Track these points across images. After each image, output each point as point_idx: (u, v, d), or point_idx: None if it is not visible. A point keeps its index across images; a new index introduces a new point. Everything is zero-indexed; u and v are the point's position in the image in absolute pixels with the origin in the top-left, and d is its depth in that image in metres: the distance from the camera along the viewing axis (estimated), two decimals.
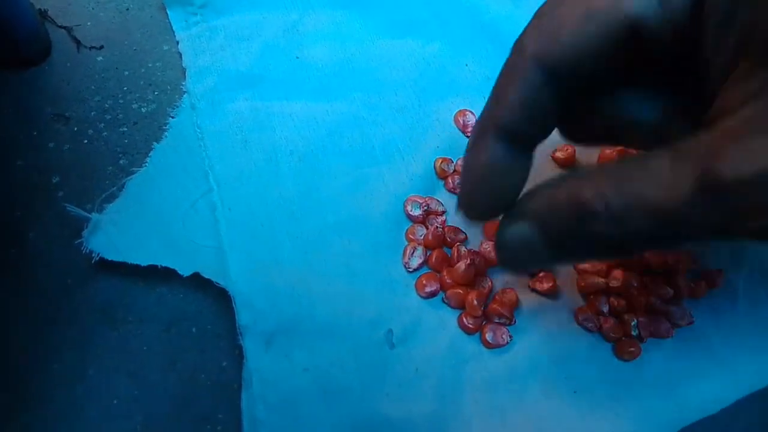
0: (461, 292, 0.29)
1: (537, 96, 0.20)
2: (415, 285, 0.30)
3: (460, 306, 0.29)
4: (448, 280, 0.29)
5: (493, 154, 0.21)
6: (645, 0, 0.18)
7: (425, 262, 0.30)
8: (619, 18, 0.18)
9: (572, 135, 0.24)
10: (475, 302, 0.29)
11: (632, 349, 0.29)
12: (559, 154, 0.33)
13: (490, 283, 0.30)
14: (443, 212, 0.32)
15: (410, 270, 0.30)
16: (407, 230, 0.31)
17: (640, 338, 0.29)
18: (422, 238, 0.31)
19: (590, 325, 0.30)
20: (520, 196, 0.22)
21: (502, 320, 0.29)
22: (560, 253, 0.21)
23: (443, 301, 0.30)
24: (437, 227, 0.30)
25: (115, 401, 0.27)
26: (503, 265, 0.23)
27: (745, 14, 0.16)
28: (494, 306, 0.29)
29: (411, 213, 0.31)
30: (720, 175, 0.16)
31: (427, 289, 0.29)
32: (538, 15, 0.20)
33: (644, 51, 0.19)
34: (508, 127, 0.21)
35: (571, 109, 0.21)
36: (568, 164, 0.33)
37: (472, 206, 0.23)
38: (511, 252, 0.22)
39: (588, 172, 0.20)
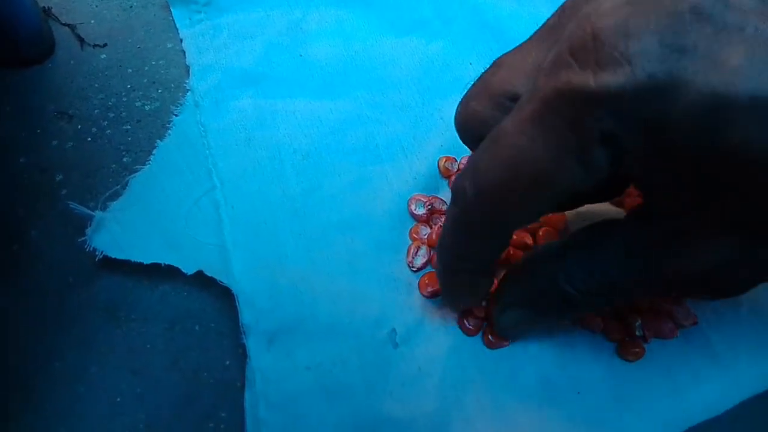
0: None
1: (482, 245, 0.23)
2: (418, 284, 0.30)
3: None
4: None
5: (455, 279, 0.26)
6: (576, 176, 0.19)
7: (429, 261, 0.30)
8: (554, 194, 0.20)
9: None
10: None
11: (636, 349, 0.29)
12: None
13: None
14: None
15: (414, 269, 0.30)
16: (411, 229, 0.31)
17: (644, 339, 0.29)
18: (426, 237, 0.31)
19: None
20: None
21: None
22: (553, 318, 0.27)
23: None
24: (441, 226, 0.30)
25: (118, 399, 0.27)
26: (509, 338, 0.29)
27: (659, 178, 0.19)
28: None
29: (415, 212, 0.31)
30: (666, 269, 0.21)
31: (429, 289, 0.29)
32: (485, 191, 0.21)
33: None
34: (462, 268, 0.25)
35: None
36: None
37: (454, 307, 0.29)
38: (510, 330, 0.28)
39: (555, 255, 0.24)
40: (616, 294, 0.23)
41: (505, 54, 0.23)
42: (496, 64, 0.23)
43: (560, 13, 0.21)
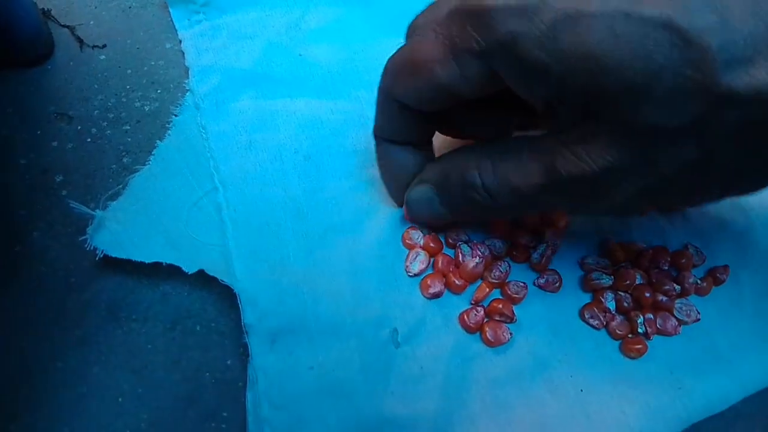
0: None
1: (397, 117, 0.27)
2: (420, 285, 0.30)
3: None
4: (456, 282, 0.29)
5: (383, 152, 0.29)
6: (451, 75, 0.24)
7: (429, 267, 0.30)
8: (433, 85, 0.24)
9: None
10: (486, 289, 0.29)
11: (639, 346, 0.29)
12: None
13: (508, 268, 0.30)
14: None
15: (410, 275, 0.30)
16: (403, 235, 0.31)
17: (646, 335, 0.29)
18: (421, 241, 0.30)
19: (596, 322, 0.29)
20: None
21: (503, 318, 0.29)
22: (452, 210, 0.28)
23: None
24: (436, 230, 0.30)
25: (119, 399, 0.27)
26: (410, 219, 0.30)
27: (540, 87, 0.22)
28: (495, 304, 0.29)
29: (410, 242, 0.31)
30: (558, 172, 0.23)
31: (431, 290, 0.29)
32: (391, 63, 0.26)
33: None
34: (387, 136, 0.29)
35: (435, 119, 0.28)
36: None
37: (390, 191, 0.31)
38: (415, 208, 0.29)
39: (473, 150, 0.27)
40: (516, 197, 0.25)
41: None
42: None
43: None
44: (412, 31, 0.26)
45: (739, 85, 0.19)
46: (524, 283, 0.30)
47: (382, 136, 0.29)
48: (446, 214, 0.28)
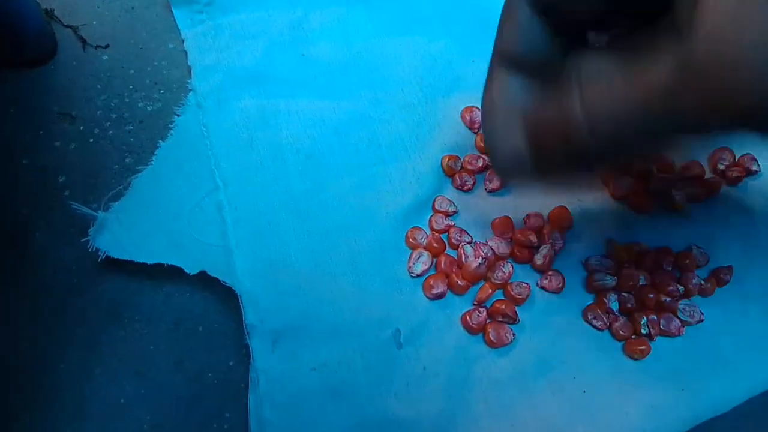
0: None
1: (530, 27, 0.22)
2: (423, 286, 0.29)
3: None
4: (459, 282, 0.29)
5: (500, 82, 0.24)
6: (527, 18, 0.21)
7: (432, 268, 0.30)
8: (519, 25, 0.21)
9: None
10: (489, 290, 0.29)
11: (642, 347, 0.29)
12: None
13: (511, 269, 0.30)
14: (453, 212, 0.31)
15: (413, 275, 0.30)
16: (407, 234, 0.31)
17: (649, 336, 0.29)
18: (424, 241, 0.30)
19: (599, 323, 0.29)
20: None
21: (506, 319, 0.29)
22: (545, 167, 0.23)
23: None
24: (439, 230, 0.30)
25: (122, 400, 0.27)
26: (496, 172, 0.27)
27: None
28: (498, 305, 0.29)
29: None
30: (701, 54, 0.17)
31: (434, 291, 0.29)
32: None
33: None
34: (511, 56, 0.23)
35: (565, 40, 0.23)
36: None
37: (496, 147, 0.24)
38: (503, 162, 0.23)
39: (574, 84, 0.21)
40: (619, 129, 0.19)
41: None
42: None
43: None
44: None
45: None
46: (527, 283, 0.30)
47: (506, 55, 0.23)
48: (536, 173, 0.23)
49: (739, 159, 0.33)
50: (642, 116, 0.19)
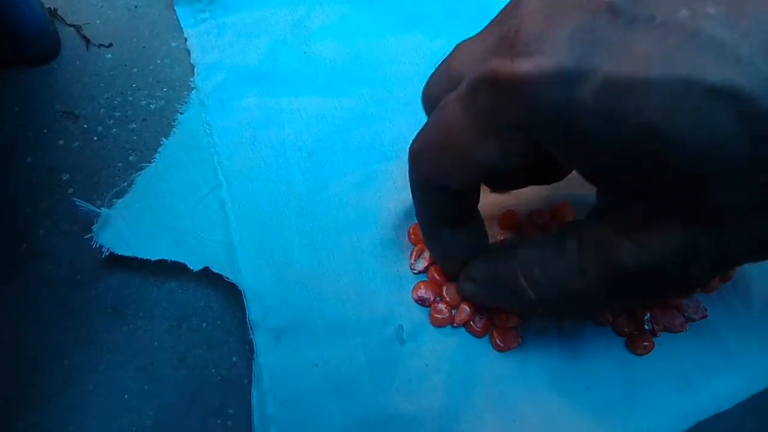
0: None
1: (437, 202, 0.25)
2: (413, 288, 0.29)
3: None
4: (447, 298, 0.29)
5: (434, 238, 0.27)
6: (493, 153, 0.21)
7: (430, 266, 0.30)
8: (474, 167, 0.22)
9: (494, 189, 0.31)
10: (478, 327, 0.29)
11: (645, 343, 0.29)
12: None
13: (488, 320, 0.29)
14: None
15: (415, 272, 0.30)
16: (409, 230, 0.31)
17: (653, 332, 0.29)
18: None
19: (602, 319, 0.29)
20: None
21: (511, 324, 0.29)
22: (506, 307, 0.28)
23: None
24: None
25: (125, 396, 0.27)
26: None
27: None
28: (501, 315, 0.29)
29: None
30: (620, 265, 0.21)
31: (419, 293, 0.29)
32: (419, 150, 0.24)
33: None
34: (431, 221, 0.27)
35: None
36: None
37: (448, 271, 0.29)
38: (469, 297, 0.28)
39: (517, 251, 0.25)
40: (574, 299, 0.23)
41: (464, 41, 0.24)
42: (456, 49, 0.24)
43: (511, 4, 0.22)
44: (429, 100, 0.25)
45: None
46: None
47: (429, 223, 0.27)
48: (495, 304, 0.28)
49: None
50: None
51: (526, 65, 0.19)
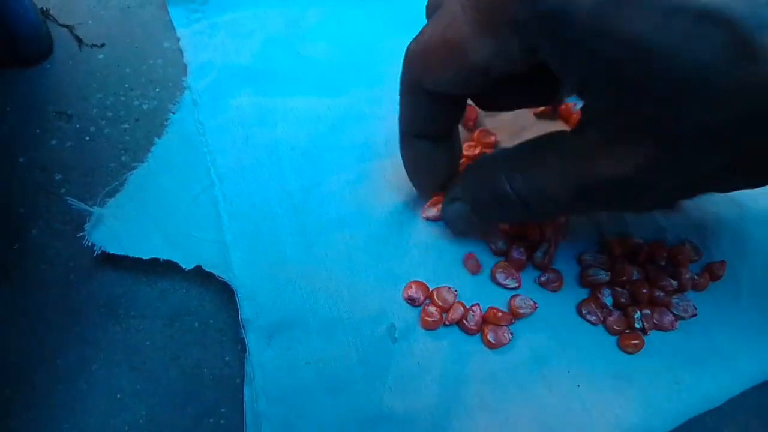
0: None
1: (426, 108, 0.26)
2: (404, 287, 0.29)
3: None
4: (437, 301, 0.29)
5: (413, 149, 0.28)
6: (489, 53, 0.22)
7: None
8: (469, 66, 0.22)
9: (483, 107, 0.30)
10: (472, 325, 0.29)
11: (636, 341, 0.29)
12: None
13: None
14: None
15: (424, 216, 0.31)
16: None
17: (643, 331, 0.29)
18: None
19: (593, 318, 0.30)
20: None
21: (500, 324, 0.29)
22: (487, 218, 0.28)
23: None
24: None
25: (118, 395, 0.27)
26: (454, 234, 0.30)
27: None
28: (494, 312, 0.29)
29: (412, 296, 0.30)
30: (593, 175, 0.22)
31: (410, 293, 0.29)
32: (416, 49, 0.24)
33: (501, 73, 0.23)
34: (415, 132, 0.27)
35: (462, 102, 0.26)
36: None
37: (420, 188, 0.30)
38: (452, 223, 0.30)
39: (497, 159, 0.26)
40: (549, 202, 0.24)
41: None
42: None
43: None
44: (433, 8, 0.24)
45: None
46: (534, 302, 0.29)
47: (410, 131, 0.27)
48: (483, 225, 0.28)
49: None
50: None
51: None
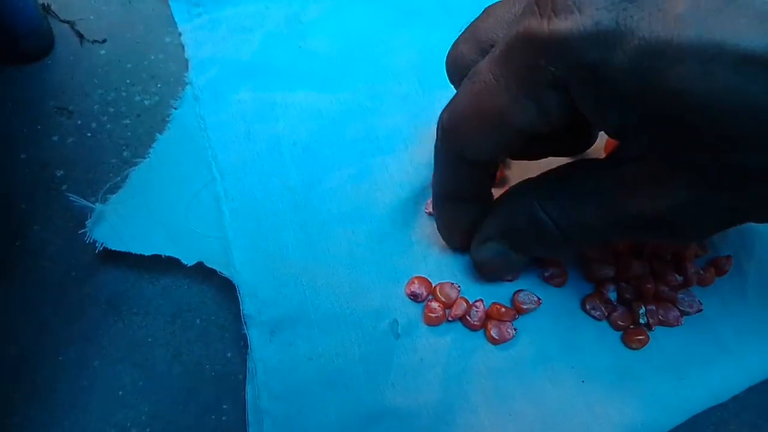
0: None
1: (465, 175, 0.26)
2: (407, 283, 0.29)
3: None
4: (440, 297, 0.29)
5: (449, 211, 0.28)
6: (529, 114, 0.21)
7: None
8: (510, 131, 0.22)
9: (513, 158, 0.30)
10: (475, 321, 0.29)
11: (641, 337, 0.29)
12: None
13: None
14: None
15: (427, 212, 0.31)
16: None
17: (648, 326, 0.29)
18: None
19: (598, 313, 0.29)
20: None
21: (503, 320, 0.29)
22: (528, 251, 0.27)
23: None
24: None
25: (120, 392, 0.27)
26: (486, 278, 0.30)
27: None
28: (498, 307, 0.29)
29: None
30: (631, 210, 0.22)
31: (412, 289, 0.29)
32: (453, 120, 0.24)
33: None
34: (454, 196, 0.27)
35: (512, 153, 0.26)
36: None
37: (454, 246, 0.30)
38: (488, 265, 0.28)
39: (527, 188, 0.25)
40: (588, 233, 0.24)
41: (494, 4, 0.25)
42: (486, 13, 0.25)
43: None
44: (457, 73, 0.25)
45: None
46: (538, 298, 0.29)
47: (448, 196, 0.27)
48: (522, 260, 0.27)
49: None
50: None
51: (564, 24, 0.19)
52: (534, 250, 0.27)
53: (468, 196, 0.27)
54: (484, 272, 0.29)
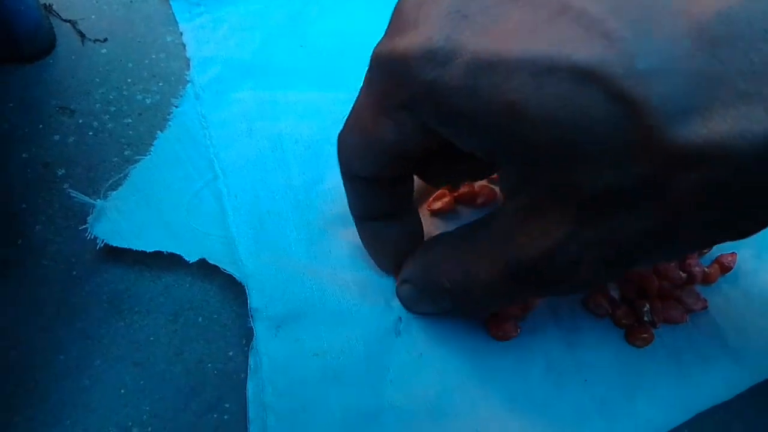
0: None
1: (366, 193, 0.25)
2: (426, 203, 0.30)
3: None
4: None
5: (365, 230, 0.27)
6: (390, 134, 0.21)
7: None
8: (381, 149, 0.21)
9: (429, 183, 0.29)
10: None
11: (645, 335, 0.29)
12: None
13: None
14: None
15: (429, 209, 0.31)
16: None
17: (652, 324, 0.29)
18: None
19: (601, 311, 0.29)
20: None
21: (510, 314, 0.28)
22: (435, 303, 0.26)
23: None
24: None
25: (122, 391, 0.27)
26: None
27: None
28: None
29: None
30: (516, 255, 0.20)
31: (435, 205, 0.30)
32: (340, 134, 0.24)
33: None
34: (362, 215, 0.27)
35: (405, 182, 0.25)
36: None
37: (381, 266, 0.29)
38: (405, 301, 0.28)
39: (439, 244, 0.25)
40: (488, 293, 0.23)
41: None
42: None
43: None
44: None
45: (694, 141, 0.15)
46: None
47: (358, 215, 0.27)
48: (426, 305, 0.27)
49: None
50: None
51: (402, 42, 0.18)
52: (441, 305, 0.26)
53: (376, 214, 0.26)
54: (405, 307, 0.29)
